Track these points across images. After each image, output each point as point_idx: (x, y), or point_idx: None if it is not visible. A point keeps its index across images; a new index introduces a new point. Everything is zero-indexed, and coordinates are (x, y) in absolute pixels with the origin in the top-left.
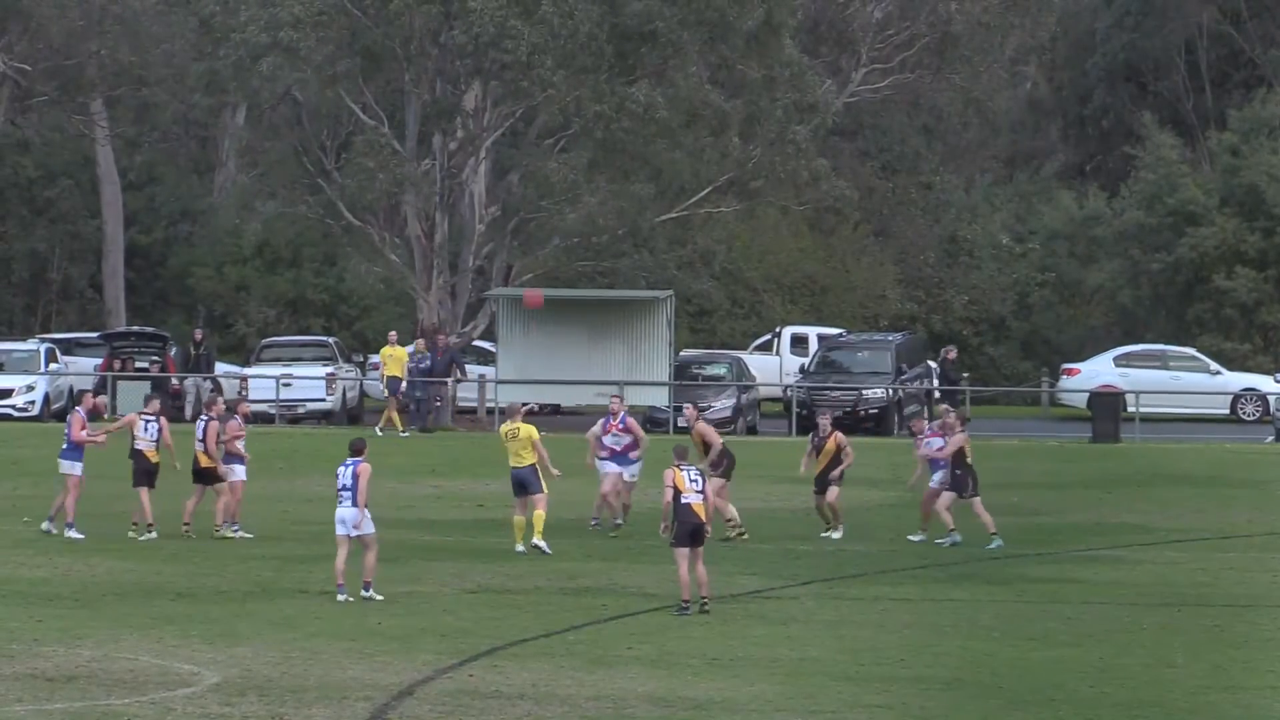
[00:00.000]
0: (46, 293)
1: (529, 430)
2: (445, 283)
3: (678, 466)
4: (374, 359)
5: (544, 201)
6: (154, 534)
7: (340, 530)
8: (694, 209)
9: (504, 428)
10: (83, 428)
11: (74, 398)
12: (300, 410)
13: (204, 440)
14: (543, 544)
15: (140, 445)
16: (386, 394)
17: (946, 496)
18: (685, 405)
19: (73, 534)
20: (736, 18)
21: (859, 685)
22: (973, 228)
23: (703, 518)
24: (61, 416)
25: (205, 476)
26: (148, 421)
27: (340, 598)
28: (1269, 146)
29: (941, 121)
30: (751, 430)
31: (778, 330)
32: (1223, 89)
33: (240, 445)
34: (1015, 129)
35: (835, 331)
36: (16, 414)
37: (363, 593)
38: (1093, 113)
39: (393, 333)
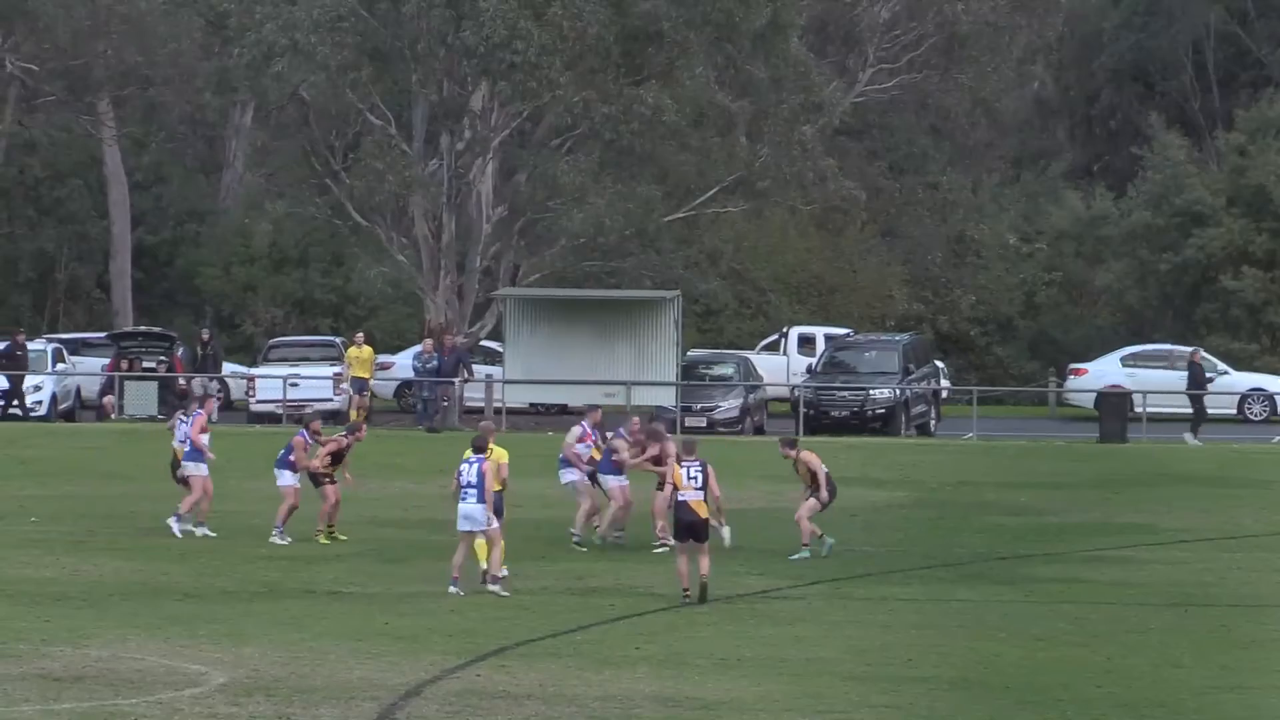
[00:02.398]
0: (54, 293)
1: (500, 453)
2: (452, 283)
3: (678, 461)
4: (381, 358)
5: (551, 202)
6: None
7: (465, 526)
8: (701, 209)
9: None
10: (203, 430)
11: (180, 400)
12: (307, 410)
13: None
14: (497, 587)
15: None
16: (352, 394)
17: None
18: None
19: (204, 530)
20: (743, 18)
21: (866, 685)
22: (980, 228)
23: (701, 515)
24: (69, 417)
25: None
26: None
27: (452, 590)
28: (1276, 146)
29: (949, 121)
30: (759, 430)
31: (785, 330)
32: (1230, 89)
33: (205, 440)
34: (1022, 129)
35: (842, 331)
36: (24, 414)
37: (490, 586)
38: (1100, 113)
39: (359, 334)
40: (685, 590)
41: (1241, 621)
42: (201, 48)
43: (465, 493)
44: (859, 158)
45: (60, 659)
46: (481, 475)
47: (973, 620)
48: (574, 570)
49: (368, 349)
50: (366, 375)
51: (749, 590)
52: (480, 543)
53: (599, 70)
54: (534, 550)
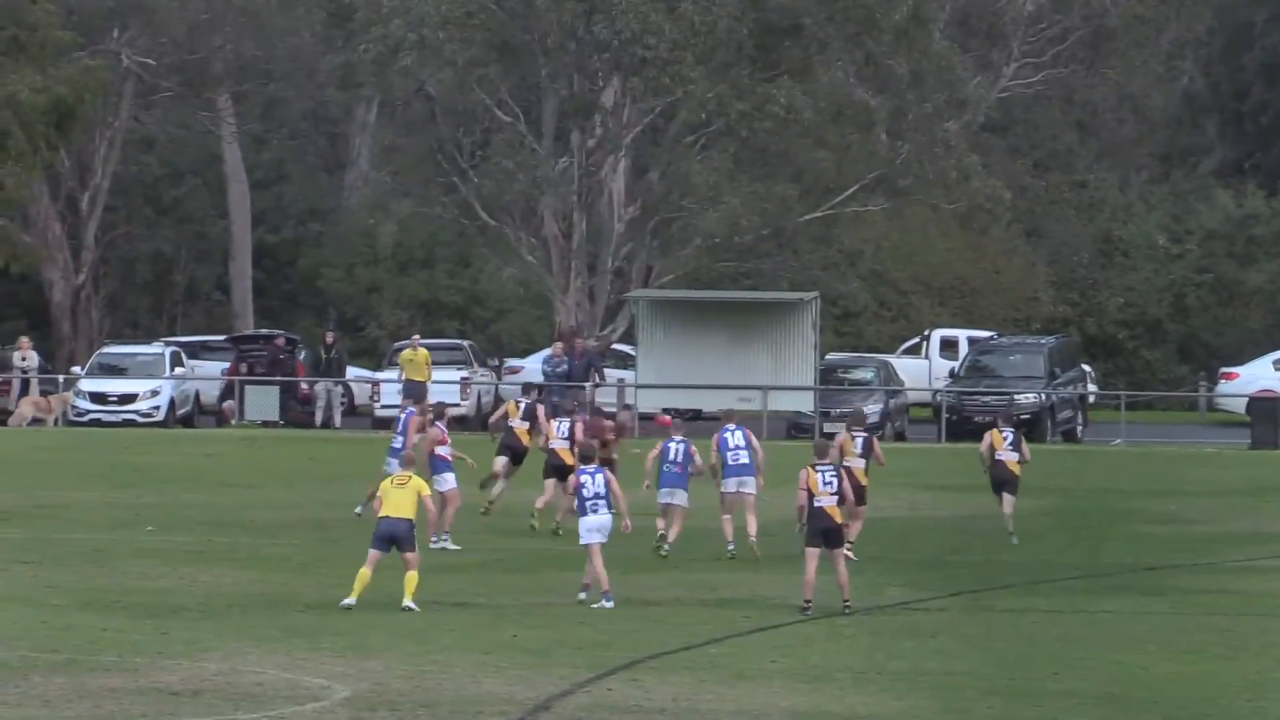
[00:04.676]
0: (172, 294)
1: (419, 484)
2: (583, 284)
3: (813, 467)
4: (511, 362)
5: (685, 201)
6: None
7: (595, 539)
8: (839, 208)
9: (390, 479)
10: (443, 441)
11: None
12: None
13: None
14: (413, 604)
15: (554, 444)
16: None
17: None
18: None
19: (446, 544)
20: (884, 12)
21: (1009, 699)
22: (1128, 227)
23: (836, 520)
24: (188, 423)
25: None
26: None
27: (607, 604)
28: None
29: (1095, 117)
30: (900, 436)
31: (926, 333)
32: None
33: (444, 451)
34: (1171, 125)
35: (986, 334)
36: (141, 419)
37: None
38: (1251, 108)
39: (416, 335)
40: (807, 601)
41: None
42: (323, 41)
43: (595, 504)
44: (1003, 155)
45: (177, 672)
46: (608, 483)
47: (1118, 633)
48: (706, 582)
49: (423, 351)
50: (423, 379)
51: (889, 601)
52: (412, 574)
53: (733, 65)
54: (666, 561)
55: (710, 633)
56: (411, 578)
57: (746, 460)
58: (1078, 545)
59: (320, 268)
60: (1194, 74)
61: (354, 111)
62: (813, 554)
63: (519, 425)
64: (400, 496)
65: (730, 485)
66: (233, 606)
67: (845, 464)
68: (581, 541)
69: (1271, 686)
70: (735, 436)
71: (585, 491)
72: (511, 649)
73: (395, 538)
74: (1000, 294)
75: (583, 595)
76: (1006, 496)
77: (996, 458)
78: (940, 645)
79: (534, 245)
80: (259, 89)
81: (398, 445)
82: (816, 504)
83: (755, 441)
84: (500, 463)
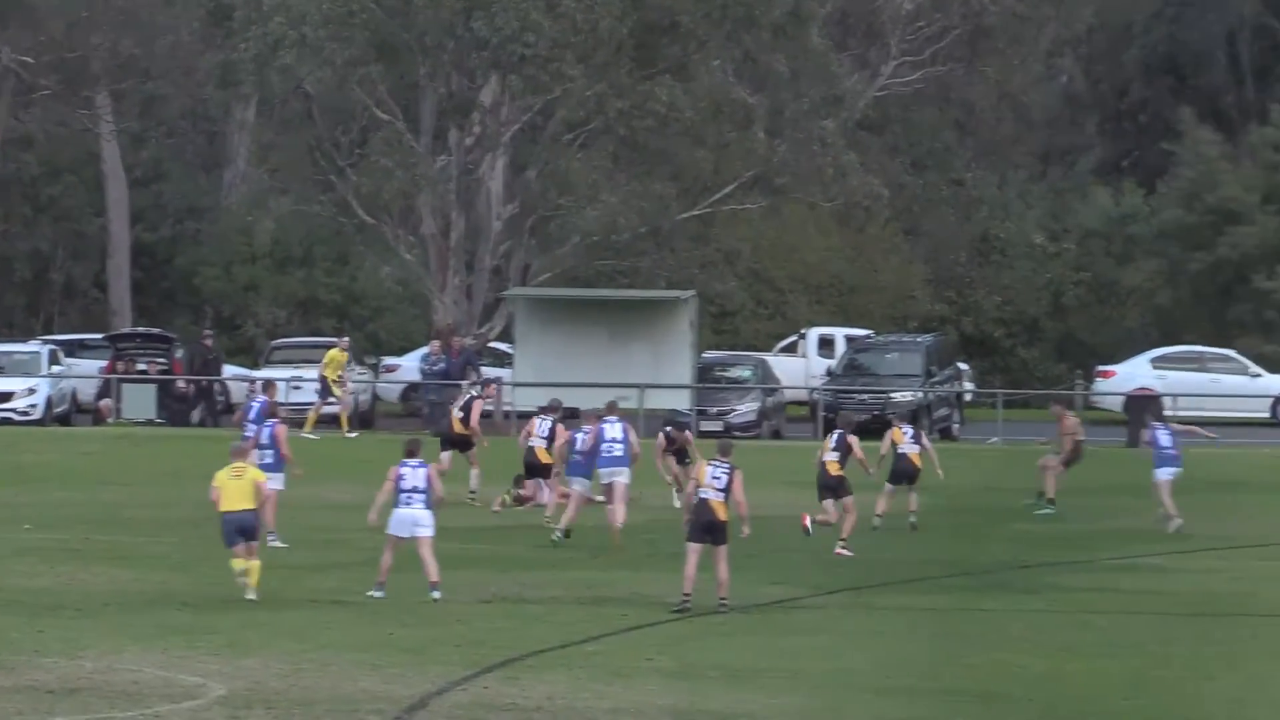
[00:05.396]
0: (49, 293)
1: (255, 473)
2: (461, 282)
3: (708, 461)
4: (387, 361)
5: (563, 199)
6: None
7: (409, 532)
8: (717, 206)
9: (226, 471)
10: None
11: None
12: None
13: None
14: (254, 596)
15: (533, 442)
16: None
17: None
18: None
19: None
20: (762, 10)
21: (887, 698)
22: (1005, 226)
23: (720, 516)
24: (65, 421)
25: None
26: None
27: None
28: None
29: (974, 116)
30: (776, 435)
31: (803, 331)
32: (1265, 82)
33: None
34: (1050, 124)
35: (863, 333)
36: (18, 418)
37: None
38: (1130, 107)
39: (345, 339)
40: (685, 595)
41: (1274, 632)
42: (202, 40)
43: (410, 498)
44: (881, 153)
45: (54, 670)
46: (428, 479)
47: (996, 631)
48: (584, 579)
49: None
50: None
51: (767, 599)
52: (255, 564)
53: (612, 64)
54: (543, 559)
55: (588, 630)
56: (255, 567)
57: (621, 453)
58: (956, 543)
59: (198, 266)
60: (1073, 72)
61: (233, 110)
62: (694, 549)
63: (539, 444)
64: (238, 488)
65: (604, 476)
66: (110, 605)
67: (701, 495)
68: (389, 531)
69: (1151, 684)
70: (614, 429)
71: (404, 484)
72: (389, 647)
73: (244, 529)
74: (877, 292)
75: (435, 594)
76: (909, 490)
77: (900, 451)
78: (818, 643)
79: (412, 243)
80: (138, 87)
81: (249, 435)
82: (702, 495)
83: (633, 436)
84: (530, 485)
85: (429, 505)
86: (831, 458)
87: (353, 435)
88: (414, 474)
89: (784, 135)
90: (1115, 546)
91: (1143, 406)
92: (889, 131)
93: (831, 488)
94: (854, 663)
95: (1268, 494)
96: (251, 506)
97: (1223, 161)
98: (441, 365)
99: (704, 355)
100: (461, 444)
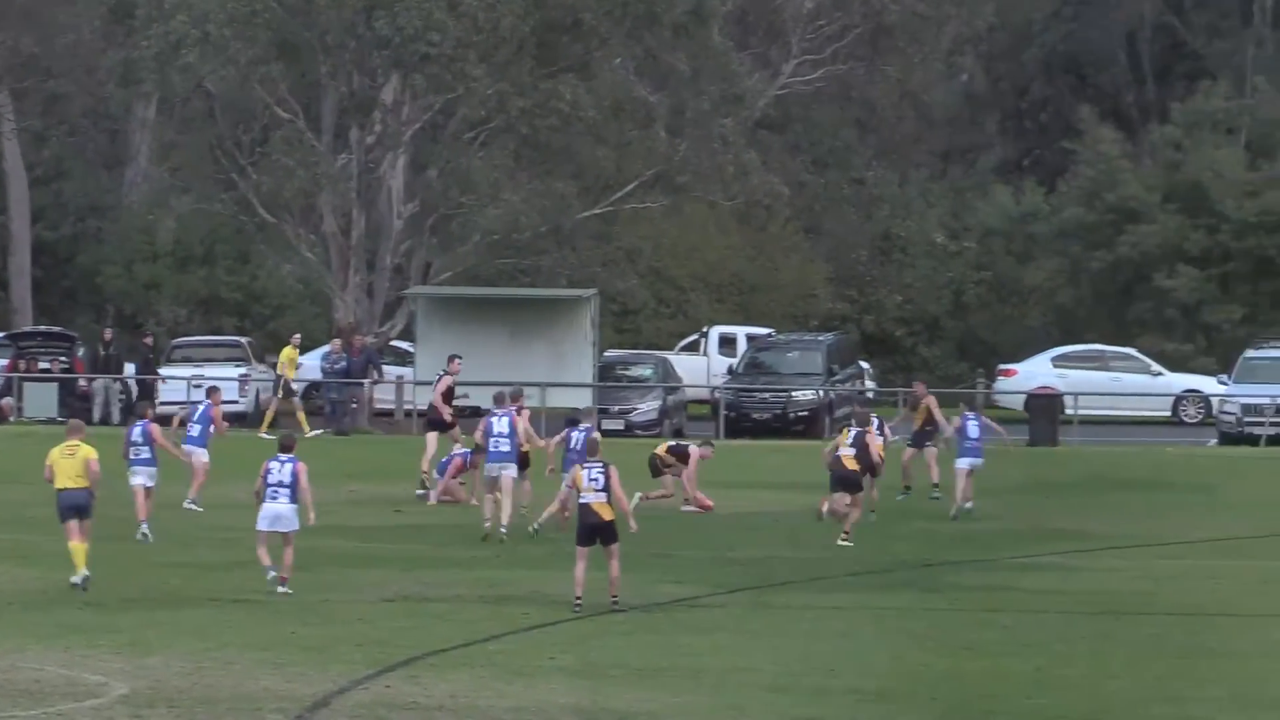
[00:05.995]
0: None
1: (88, 451)
2: (362, 281)
3: (581, 465)
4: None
5: (464, 198)
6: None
7: (275, 526)
8: (619, 205)
9: (59, 449)
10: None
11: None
12: None
13: None
14: (79, 578)
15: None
16: (284, 396)
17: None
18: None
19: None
20: (664, 8)
21: (788, 696)
22: (906, 224)
23: (605, 517)
24: None
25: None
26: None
27: (282, 588)
28: (1212, 141)
29: (874, 115)
30: (678, 433)
31: (705, 330)
32: (1165, 81)
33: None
34: (951, 123)
35: (764, 331)
36: None
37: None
38: (1030, 106)
39: (297, 335)
40: (578, 599)
41: (1176, 631)
42: (104, 38)
43: (276, 492)
44: (781, 152)
45: None
46: (295, 475)
47: (898, 629)
48: (487, 578)
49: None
50: (291, 375)
51: (668, 598)
52: (82, 545)
53: (514, 62)
54: (444, 558)
55: (490, 629)
56: (82, 548)
57: (508, 448)
58: (858, 541)
59: (100, 264)
60: (974, 71)
61: (134, 108)
62: (582, 553)
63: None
64: (71, 465)
65: (492, 469)
66: (12, 604)
67: (582, 500)
68: (258, 527)
69: (1053, 683)
70: (500, 423)
71: (270, 478)
72: (290, 646)
73: (78, 507)
74: (779, 291)
75: (282, 588)
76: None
77: (838, 454)
78: (719, 642)
79: (313, 242)
80: (39, 85)
81: (194, 434)
82: (583, 500)
83: (521, 429)
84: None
85: (294, 500)
86: (848, 453)
87: (315, 434)
88: (281, 469)
89: (685, 134)
90: (1017, 546)
91: (1043, 406)
92: (790, 130)
93: (848, 481)
94: (756, 661)
95: (1170, 493)
96: (85, 485)
97: (1123, 160)
98: (343, 364)
99: (605, 354)
100: (440, 425)
